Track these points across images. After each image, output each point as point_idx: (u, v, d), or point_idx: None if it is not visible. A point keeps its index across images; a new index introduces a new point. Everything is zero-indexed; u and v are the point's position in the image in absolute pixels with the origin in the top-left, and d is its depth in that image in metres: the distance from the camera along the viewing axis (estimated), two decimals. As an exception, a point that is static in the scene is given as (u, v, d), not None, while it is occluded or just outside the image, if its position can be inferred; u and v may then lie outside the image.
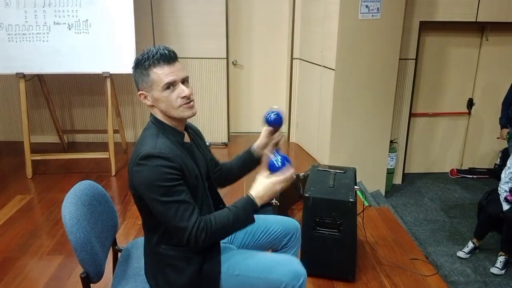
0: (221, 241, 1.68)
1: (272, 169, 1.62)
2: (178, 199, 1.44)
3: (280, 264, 1.64)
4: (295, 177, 1.64)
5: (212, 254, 1.60)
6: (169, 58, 1.48)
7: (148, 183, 1.43)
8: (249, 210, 1.54)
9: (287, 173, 1.58)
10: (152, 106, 1.54)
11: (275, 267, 1.62)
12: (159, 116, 1.56)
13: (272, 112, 1.83)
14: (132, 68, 1.55)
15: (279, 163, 1.61)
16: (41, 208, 3.38)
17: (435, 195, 4.88)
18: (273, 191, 1.56)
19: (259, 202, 1.54)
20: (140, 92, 1.54)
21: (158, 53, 1.47)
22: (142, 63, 1.48)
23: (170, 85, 1.48)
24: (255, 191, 1.55)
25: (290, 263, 1.66)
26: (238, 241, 1.85)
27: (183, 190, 1.46)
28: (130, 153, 4.63)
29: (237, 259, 1.65)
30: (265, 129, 1.84)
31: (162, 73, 1.48)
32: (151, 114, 1.58)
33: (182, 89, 1.51)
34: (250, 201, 1.53)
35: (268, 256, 1.71)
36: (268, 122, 1.82)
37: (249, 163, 1.87)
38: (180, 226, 1.44)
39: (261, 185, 1.56)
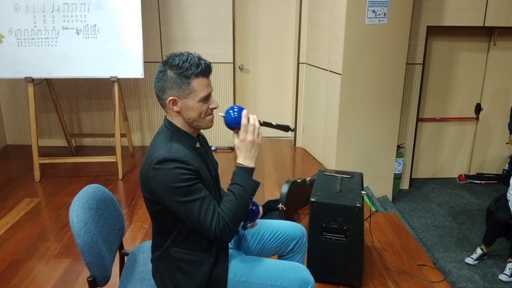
0: (229, 248, 1.69)
1: (229, 122, 1.56)
2: (199, 197, 1.44)
3: (287, 272, 1.64)
4: (256, 119, 1.56)
5: (221, 259, 1.61)
6: (210, 71, 1.52)
7: (167, 186, 1.43)
8: (247, 177, 1.53)
9: (248, 122, 1.54)
10: (178, 112, 1.53)
11: (283, 274, 1.62)
12: (178, 123, 1.56)
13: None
14: (165, 71, 1.48)
15: (235, 114, 1.55)
16: (48, 211, 3.40)
17: (443, 201, 4.84)
18: (251, 144, 1.54)
19: (249, 163, 1.54)
20: (172, 97, 1.49)
21: (203, 64, 1.49)
22: (186, 71, 1.46)
23: (207, 97, 1.52)
24: (241, 157, 1.55)
25: (298, 271, 1.66)
26: (245, 246, 1.85)
27: (202, 188, 1.47)
28: (137, 157, 4.66)
29: (245, 266, 1.64)
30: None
31: (203, 85, 1.50)
32: (166, 119, 1.58)
33: (213, 101, 1.56)
34: (241, 169, 1.53)
35: (276, 263, 1.71)
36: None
37: None
38: (205, 225, 1.44)
39: (240, 149, 1.55)
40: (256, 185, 1.55)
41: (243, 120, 1.54)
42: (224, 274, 1.60)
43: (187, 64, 1.46)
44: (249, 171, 1.54)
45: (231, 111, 1.56)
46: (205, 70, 1.49)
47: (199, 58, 1.49)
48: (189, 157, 1.47)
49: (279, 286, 1.60)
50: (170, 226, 1.54)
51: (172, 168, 1.42)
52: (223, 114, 1.57)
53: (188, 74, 1.47)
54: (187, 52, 1.50)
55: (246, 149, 1.54)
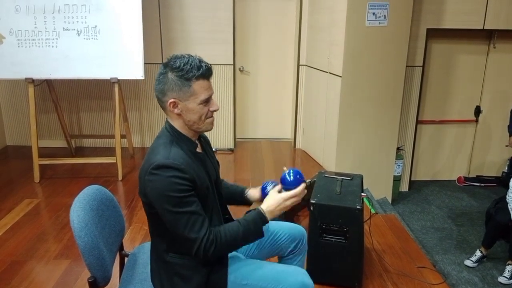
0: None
1: (284, 183, 1.65)
2: (189, 210, 1.44)
3: (288, 275, 1.64)
4: (305, 192, 1.67)
5: (219, 264, 1.61)
6: (210, 74, 1.52)
7: (160, 193, 1.44)
8: (259, 224, 1.56)
9: (298, 189, 1.62)
10: (179, 115, 1.53)
11: (283, 278, 1.62)
12: (178, 126, 1.56)
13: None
14: (166, 73, 1.48)
15: (291, 177, 1.65)
16: (48, 212, 3.39)
17: (442, 203, 4.84)
18: (284, 206, 1.60)
19: (269, 217, 1.57)
20: (173, 99, 1.49)
21: (204, 66, 1.49)
22: (187, 73, 1.46)
23: (208, 99, 1.52)
24: (266, 205, 1.58)
25: (298, 275, 1.66)
26: (245, 247, 1.85)
27: (194, 201, 1.47)
28: (137, 158, 4.66)
29: (245, 269, 1.65)
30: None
31: (204, 87, 1.50)
32: (167, 121, 1.58)
33: (214, 103, 1.56)
34: (260, 215, 1.56)
35: (276, 267, 1.71)
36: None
37: (237, 200, 1.89)
38: (190, 237, 1.44)
39: (273, 199, 1.59)
40: (261, 236, 1.59)
41: (299, 189, 1.63)
42: (224, 277, 1.60)
43: (188, 67, 1.46)
44: (265, 222, 1.57)
45: (287, 175, 1.67)
46: (206, 72, 1.49)
47: (200, 61, 1.49)
48: (186, 164, 1.46)
49: None
50: (166, 229, 1.53)
51: (168, 176, 1.43)
52: (287, 171, 1.69)
53: (189, 77, 1.46)
54: (188, 55, 1.50)
55: (278, 207, 1.59)
